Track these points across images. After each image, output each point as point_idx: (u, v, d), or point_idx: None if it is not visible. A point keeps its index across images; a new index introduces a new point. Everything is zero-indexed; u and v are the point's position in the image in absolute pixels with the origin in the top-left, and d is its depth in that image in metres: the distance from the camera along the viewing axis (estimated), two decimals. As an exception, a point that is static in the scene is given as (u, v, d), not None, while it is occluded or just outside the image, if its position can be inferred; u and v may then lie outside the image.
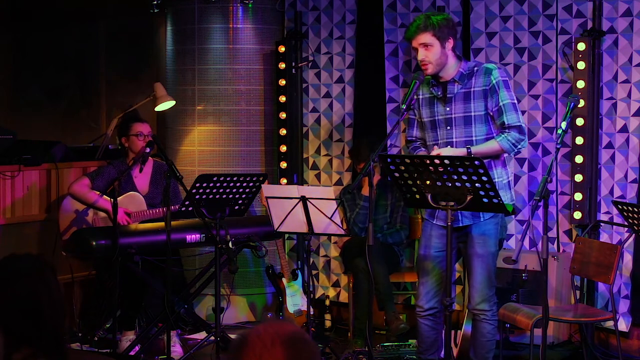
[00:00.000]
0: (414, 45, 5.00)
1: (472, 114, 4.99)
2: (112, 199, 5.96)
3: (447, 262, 4.74)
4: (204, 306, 7.21)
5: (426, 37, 4.94)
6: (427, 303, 5.14)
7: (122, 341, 6.26)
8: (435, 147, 5.01)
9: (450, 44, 4.99)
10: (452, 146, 4.99)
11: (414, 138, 5.27)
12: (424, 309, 5.15)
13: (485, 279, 5.06)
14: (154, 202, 6.50)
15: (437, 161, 4.56)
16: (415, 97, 5.11)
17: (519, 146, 5.01)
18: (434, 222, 5.12)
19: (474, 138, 5.00)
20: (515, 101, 5.05)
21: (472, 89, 5.00)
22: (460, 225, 5.02)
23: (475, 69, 5.04)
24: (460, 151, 4.92)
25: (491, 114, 5.02)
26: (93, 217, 6.41)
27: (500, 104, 4.98)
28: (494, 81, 4.98)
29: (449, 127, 5.02)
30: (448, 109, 5.02)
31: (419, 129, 5.22)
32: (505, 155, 5.12)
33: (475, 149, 4.93)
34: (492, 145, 4.97)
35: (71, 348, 5.90)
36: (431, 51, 4.95)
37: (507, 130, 4.98)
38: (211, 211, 5.64)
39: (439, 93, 5.05)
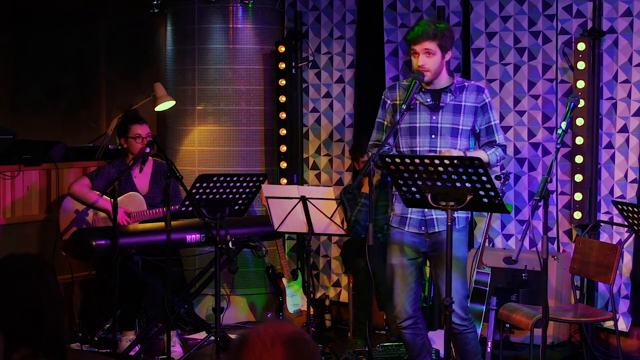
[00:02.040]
0: (417, 49, 4.96)
1: (460, 127, 4.99)
2: (112, 199, 5.96)
3: (447, 261, 4.73)
4: (204, 306, 7.21)
5: (431, 45, 4.93)
6: (406, 313, 5.07)
7: (122, 341, 6.26)
8: (444, 151, 4.95)
9: (449, 55, 5.00)
10: None
11: (380, 143, 5.07)
12: (402, 320, 5.07)
13: (462, 286, 5.00)
14: (154, 202, 6.50)
15: (437, 161, 4.56)
16: (389, 101, 5.10)
17: (499, 164, 5.19)
18: (406, 229, 5.05)
19: (457, 150, 5.01)
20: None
21: (462, 103, 5.01)
22: (436, 230, 5.00)
23: (466, 84, 5.06)
24: (458, 154, 4.92)
25: (477, 130, 5.04)
26: (93, 217, 6.41)
27: (492, 123, 5.05)
28: (486, 100, 5.03)
29: (433, 136, 4.99)
30: (434, 117, 4.99)
31: (386, 133, 5.09)
32: None
33: (470, 154, 4.93)
34: (482, 155, 4.97)
35: (71, 348, 5.90)
36: (432, 59, 4.95)
37: (495, 147, 5.06)
38: (211, 211, 5.64)
39: (428, 100, 5.02)
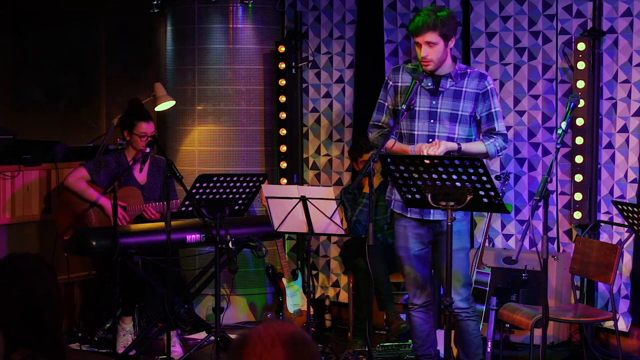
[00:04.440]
0: (418, 41, 4.97)
1: (459, 112, 5.01)
2: (111, 196, 5.95)
3: (447, 261, 4.73)
4: (204, 306, 7.20)
5: (432, 36, 4.91)
6: (419, 299, 5.19)
7: (119, 331, 6.24)
8: (436, 140, 4.96)
9: (452, 42, 5.00)
10: (433, 140, 4.98)
11: (380, 123, 5.19)
12: (417, 305, 5.19)
13: (463, 276, 5.07)
14: (153, 195, 6.49)
15: (437, 161, 4.56)
16: (391, 83, 5.13)
17: (501, 154, 5.16)
18: (408, 215, 5.08)
19: (455, 136, 5.02)
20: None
21: (463, 89, 5.01)
22: (431, 218, 5.02)
23: (468, 71, 5.08)
24: (452, 145, 4.93)
25: (478, 117, 5.04)
26: (89, 210, 6.38)
27: (492, 110, 5.04)
28: (488, 87, 5.03)
29: (432, 121, 5.02)
30: (435, 102, 5.02)
31: (388, 115, 5.17)
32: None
33: (465, 147, 4.96)
34: (480, 147, 5.03)
35: (71, 348, 5.91)
36: (435, 49, 4.95)
37: (494, 136, 5.04)
38: (211, 211, 5.63)
39: (429, 84, 5.04)
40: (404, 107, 4.96)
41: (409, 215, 5.10)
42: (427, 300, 5.18)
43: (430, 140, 4.98)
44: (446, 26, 4.92)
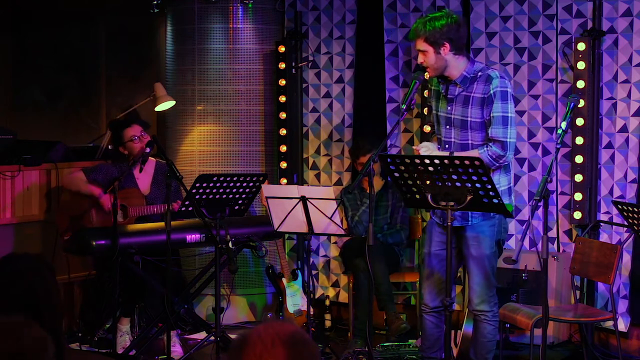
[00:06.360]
0: (415, 48, 5.08)
1: (469, 119, 4.97)
2: (112, 195, 5.95)
3: (446, 261, 4.74)
4: (204, 306, 7.20)
5: (420, 44, 4.98)
6: (433, 301, 5.16)
7: (118, 332, 6.24)
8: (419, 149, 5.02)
9: (446, 49, 4.93)
10: (449, 146, 5.01)
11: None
12: (429, 307, 5.17)
13: (483, 280, 5.05)
14: (155, 203, 6.48)
15: (437, 161, 4.56)
16: (415, 97, 5.15)
17: (500, 162, 4.94)
18: (434, 218, 5.16)
19: (470, 142, 4.98)
20: (510, 114, 4.92)
21: (472, 94, 4.97)
22: (454, 225, 5.01)
23: (479, 74, 4.97)
24: (442, 154, 4.91)
25: (486, 122, 5.00)
26: (91, 210, 6.36)
27: (492, 114, 4.92)
28: (492, 91, 4.91)
29: (448, 127, 5.03)
30: (449, 108, 5.03)
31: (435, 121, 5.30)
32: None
33: (457, 155, 4.92)
34: (473, 155, 4.92)
35: (71, 348, 5.91)
36: (427, 56, 4.98)
37: (490, 144, 4.92)
38: (211, 211, 5.63)
39: (442, 91, 5.07)
40: (403, 107, 4.97)
41: (434, 219, 5.16)
42: (439, 306, 5.13)
43: (447, 146, 5.02)
44: (432, 34, 4.91)
